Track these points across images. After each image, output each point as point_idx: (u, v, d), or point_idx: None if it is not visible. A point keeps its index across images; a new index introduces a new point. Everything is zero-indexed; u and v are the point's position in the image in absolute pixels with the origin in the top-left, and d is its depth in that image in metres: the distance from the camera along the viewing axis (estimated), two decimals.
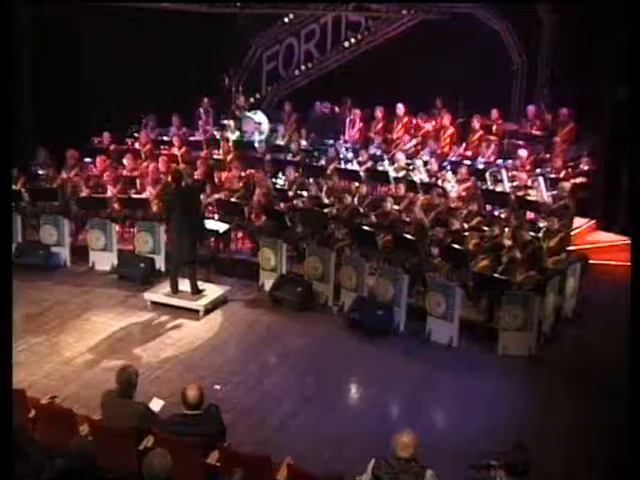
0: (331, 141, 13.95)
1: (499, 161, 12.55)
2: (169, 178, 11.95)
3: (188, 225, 9.77)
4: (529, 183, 11.82)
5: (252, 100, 15.90)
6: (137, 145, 13.76)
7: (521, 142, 13.32)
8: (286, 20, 16.29)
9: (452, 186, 11.78)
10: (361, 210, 11.18)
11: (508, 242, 10.03)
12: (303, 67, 16.60)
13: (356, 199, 11.49)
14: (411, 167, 12.55)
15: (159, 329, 9.44)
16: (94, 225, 11.19)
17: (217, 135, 14.24)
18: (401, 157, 12.64)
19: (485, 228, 10.35)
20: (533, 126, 13.49)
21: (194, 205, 10.02)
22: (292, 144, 13.58)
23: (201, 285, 10.13)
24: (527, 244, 9.77)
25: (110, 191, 11.93)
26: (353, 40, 16.16)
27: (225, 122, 14.45)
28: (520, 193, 11.52)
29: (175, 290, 9.95)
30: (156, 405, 6.02)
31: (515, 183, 11.88)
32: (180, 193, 9.90)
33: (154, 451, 4.77)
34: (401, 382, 8.44)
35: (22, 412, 5.69)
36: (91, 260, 11.20)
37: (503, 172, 12.15)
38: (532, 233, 10.18)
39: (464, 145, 13.41)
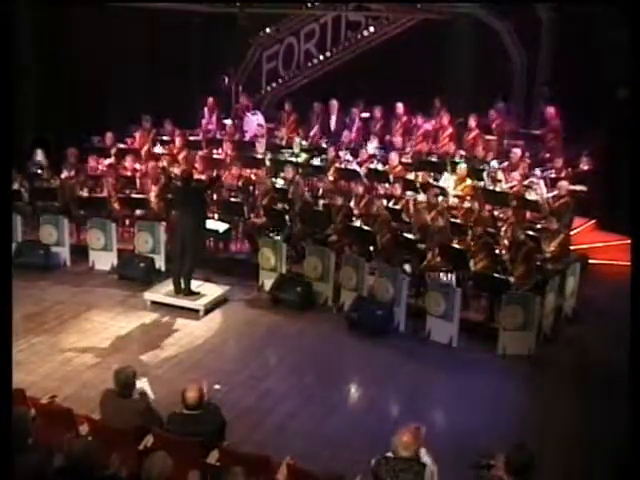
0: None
1: (493, 162, 12.52)
2: (170, 177, 12.03)
3: (193, 225, 9.82)
4: (526, 182, 11.82)
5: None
6: (136, 145, 13.76)
7: (520, 142, 13.36)
8: (286, 20, 16.29)
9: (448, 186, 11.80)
10: (355, 210, 11.19)
11: (506, 242, 10.06)
12: (303, 67, 16.60)
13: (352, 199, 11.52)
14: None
15: (159, 329, 9.45)
16: (94, 225, 11.19)
17: (218, 135, 14.25)
18: (395, 157, 12.61)
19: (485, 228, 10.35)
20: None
21: (201, 205, 10.06)
22: (293, 144, 13.58)
23: (200, 285, 10.15)
24: (521, 244, 9.78)
25: (107, 190, 11.95)
26: (361, 35, 16.11)
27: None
28: (518, 192, 11.51)
29: (178, 290, 9.96)
30: (144, 385, 6.04)
31: (511, 183, 11.87)
32: (187, 192, 9.93)
33: (154, 454, 4.77)
34: (401, 382, 8.44)
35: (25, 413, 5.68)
36: (91, 260, 11.20)
37: (499, 172, 12.15)
38: (532, 233, 10.18)
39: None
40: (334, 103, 14.50)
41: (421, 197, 11.42)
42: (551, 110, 13.23)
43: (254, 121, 14.67)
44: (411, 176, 12.18)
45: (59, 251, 11.17)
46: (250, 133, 14.51)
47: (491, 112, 13.75)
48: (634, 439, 4.57)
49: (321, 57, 16.45)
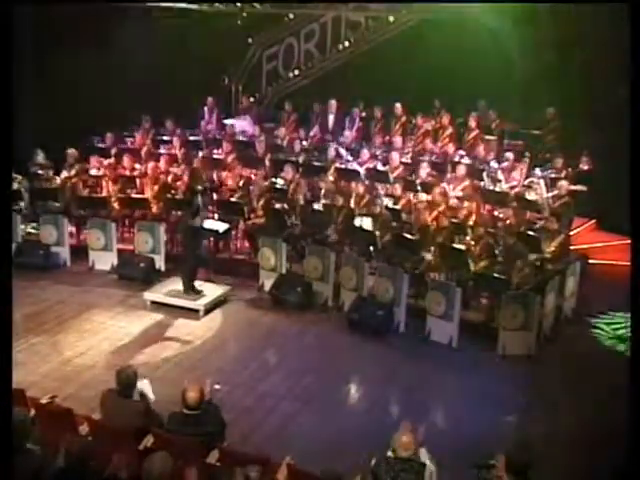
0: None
1: (493, 162, 12.53)
2: (169, 179, 12.06)
3: (187, 226, 9.95)
4: (526, 182, 11.82)
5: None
6: (136, 145, 13.76)
7: (520, 142, 13.37)
8: (286, 20, 16.29)
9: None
10: (356, 211, 11.20)
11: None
12: (303, 67, 16.60)
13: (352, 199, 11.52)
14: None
15: (159, 329, 9.45)
16: (94, 225, 11.19)
17: (218, 135, 14.26)
18: (395, 157, 12.61)
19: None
20: None
21: (193, 206, 10.10)
22: (293, 144, 13.58)
23: (200, 285, 10.16)
24: (512, 247, 9.80)
25: (107, 190, 11.95)
26: (347, 43, 16.17)
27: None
28: (518, 192, 11.51)
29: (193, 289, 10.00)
30: (145, 386, 6.04)
31: (511, 183, 11.87)
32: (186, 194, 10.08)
33: (154, 454, 4.76)
34: (401, 382, 8.44)
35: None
36: (91, 260, 11.20)
37: (499, 172, 12.14)
38: (531, 233, 10.18)
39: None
40: (333, 103, 14.52)
41: (423, 197, 11.43)
42: (551, 110, 13.24)
43: (242, 125, 14.71)
44: (423, 173, 12.14)
45: (59, 251, 11.18)
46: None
47: (490, 112, 13.76)
48: (634, 439, 4.57)
49: (321, 57, 16.44)
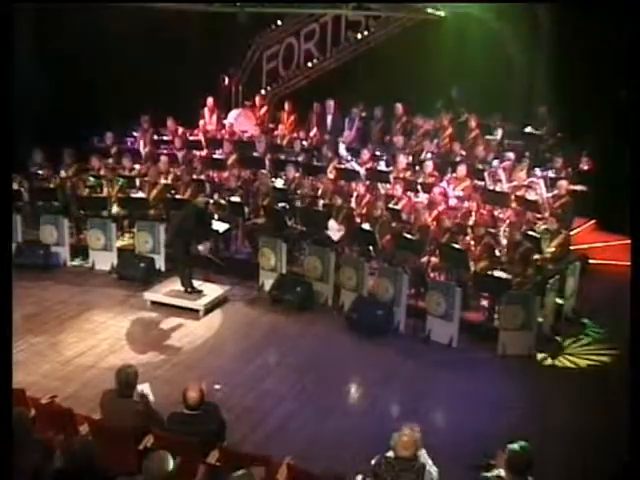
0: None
1: (495, 161, 12.53)
2: (170, 179, 12.06)
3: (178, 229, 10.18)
4: (526, 182, 11.83)
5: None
6: (136, 145, 13.77)
7: (520, 142, 13.36)
8: (285, 20, 16.27)
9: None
10: (357, 210, 11.20)
11: (504, 242, 10.07)
12: (303, 67, 16.59)
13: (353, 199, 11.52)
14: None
15: (159, 329, 9.45)
16: (94, 225, 11.20)
17: (218, 135, 14.27)
18: (402, 160, 12.58)
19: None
20: None
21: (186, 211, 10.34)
22: (293, 144, 13.58)
23: (200, 285, 10.17)
24: (517, 245, 9.79)
25: (107, 190, 11.96)
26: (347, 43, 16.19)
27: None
28: (519, 193, 11.51)
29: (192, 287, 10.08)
30: (145, 389, 6.05)
31: (514, 183, 11.87)
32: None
33: (154, 454, 4.76)
34: (401, 382, 8.44)
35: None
36: (91, 260, 11.20)
37: (500, 172, 12.14)
38: (532, 233, 10.18)
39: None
40: (330, 103, 14.53)
41: (423, 197, 11.42)
42: (543, 109, 13.25)
43: (242, 123, 14.72)
44: (427, 171, 12.09)
45: (59, 251, 11.18)
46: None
47: (494, 114, 13.75)
48: (634, 439, 4.58)
49: (321, 57, 16.43)
